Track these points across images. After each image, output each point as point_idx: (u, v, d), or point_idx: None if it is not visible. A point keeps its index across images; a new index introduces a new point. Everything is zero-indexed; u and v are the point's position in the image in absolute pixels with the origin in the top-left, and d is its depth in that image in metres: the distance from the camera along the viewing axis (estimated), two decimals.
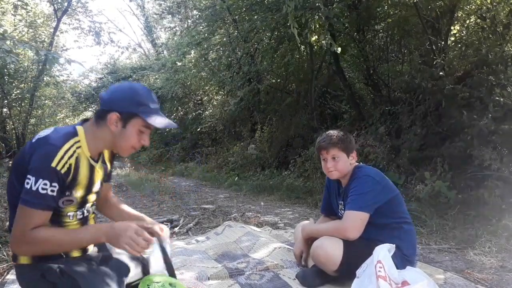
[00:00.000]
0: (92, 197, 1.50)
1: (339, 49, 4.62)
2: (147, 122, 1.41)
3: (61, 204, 1.38)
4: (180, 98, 13.51)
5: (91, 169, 1.44)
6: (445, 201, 3.68)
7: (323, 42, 4.35)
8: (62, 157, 1.30)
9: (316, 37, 4.29)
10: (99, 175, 1.50)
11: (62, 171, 1.30)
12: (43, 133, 1.37)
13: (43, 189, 1.26)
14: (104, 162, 1.56)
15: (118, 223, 1.40)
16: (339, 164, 2.11)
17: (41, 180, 1.26)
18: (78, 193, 1.40)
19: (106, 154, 1.59)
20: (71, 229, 1.43)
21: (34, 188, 1.25)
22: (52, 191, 1.28)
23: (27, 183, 1.27)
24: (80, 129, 1.41)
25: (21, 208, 1.28)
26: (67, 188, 1.35)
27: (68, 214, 1.42)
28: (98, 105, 16.06)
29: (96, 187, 1.49)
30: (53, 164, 1.27)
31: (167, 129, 14.17)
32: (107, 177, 1.62)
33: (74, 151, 1.34)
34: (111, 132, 1.41)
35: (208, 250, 2.76)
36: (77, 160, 1.36)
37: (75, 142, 1.36)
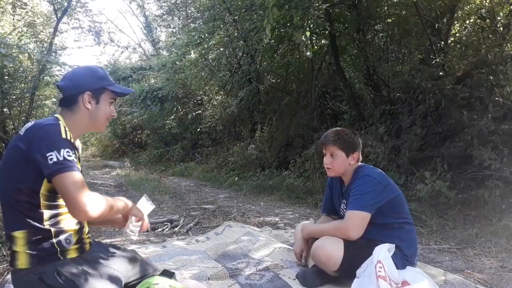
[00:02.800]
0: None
1: (311, 54, 4.47)
2: (115, 91, 1.56)
3: None
4: (180, 98, 13.48)
5: (76, 149, 1.49)
6: (445, 201, 3.69)
7: (302, 39, 4.18)
8: (65, 130, 1.38)
9: (299, 35, 4.13)
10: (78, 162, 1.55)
11: (72, 141, 1.38)
12: (28, 124, 1.41)
13: (69, 155, 1.31)
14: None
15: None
16: (335, 162, 2.11)
17: (62, 149, 1.30)
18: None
19: None
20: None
21: (61, 158, 1.28)
22: (74, 158, 1.33)
23: (50, 159, 1.28)
24: (59, 116, 1.47)
25: (61, 176, 1.28)
26: None
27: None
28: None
29: (79, 168, 1.53)
30: (63, 136, 1.35)
31: (167, 128, 14.19)
32: None
33: (65, 127, 1.41)
34: (88, 112, 1.51)
35: (208, 250, 2.76)
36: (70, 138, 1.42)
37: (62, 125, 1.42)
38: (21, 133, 1.39)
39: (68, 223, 1.44)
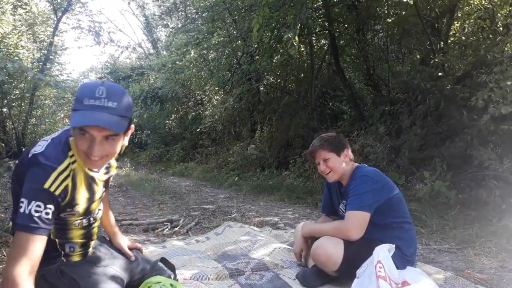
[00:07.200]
0: (96, 205, 1.47)
1: (295, 52, 4.41)
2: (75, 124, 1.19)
3: (63, 216, 1.34)
4: (180, 98, 13.51)
5: (90, 180, 1.38)
6: (445, 201, 3.69)
7: (290, 36, 4.10)
8: (56, 178, 1.22)
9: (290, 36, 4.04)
10: (100, 182, 1.46)
11: (57, 193, 1.23)
12: (39, 148, 1.27)
13: (36, 211, 1.18)
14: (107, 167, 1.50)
15: None
16: (330, 164, 2.12)
17: (33, 202, 1.18)
18: (80, 207, 1.37)
19: None
20: None
21: (26, 212, 1.17)
22: (47, 213, 1.19)
23: (21, 207, 1.18)
24: (71, 141, 1.31)
25: (16, 235, 1.19)
26: (67, 207, 1.31)
27: (74, 222, 1.40)
28: None
29: (98, 194, 1.46)
30: (46, 186, 1.20)
31: (167, 128, 14.17)
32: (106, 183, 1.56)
33: (70, 170, 1.28)
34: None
35: (208, 250, 2.76)
36: (74, 178, 1.30)
37: (70, 157, 1.29)
38: (29, 156, 1.26)
39: (74, 235, 1.43)
